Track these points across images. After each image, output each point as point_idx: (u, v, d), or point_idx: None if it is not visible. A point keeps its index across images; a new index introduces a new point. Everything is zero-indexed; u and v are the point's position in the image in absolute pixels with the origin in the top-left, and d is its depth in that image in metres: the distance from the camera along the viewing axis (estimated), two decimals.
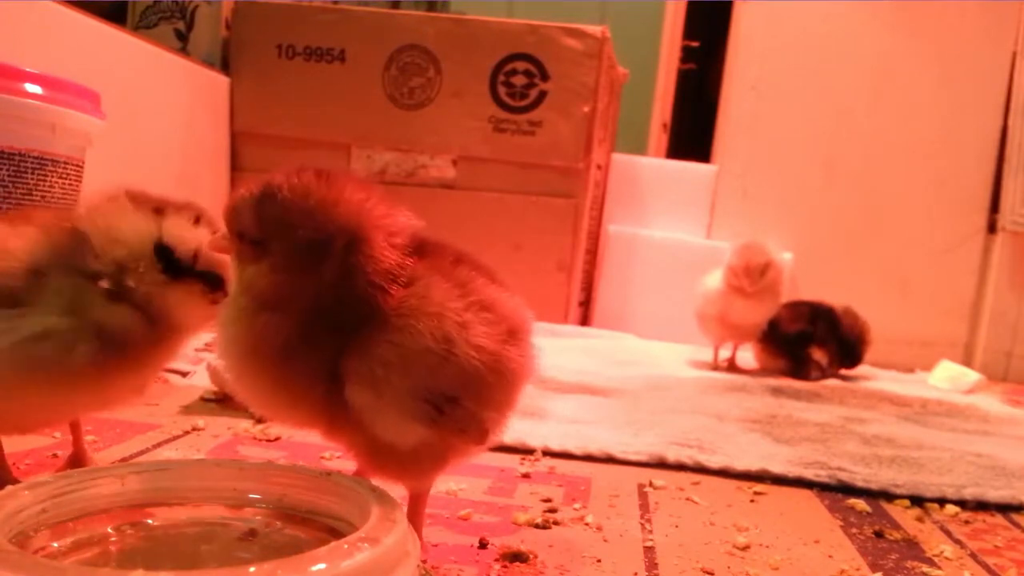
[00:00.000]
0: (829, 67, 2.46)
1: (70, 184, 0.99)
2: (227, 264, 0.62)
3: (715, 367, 1.83)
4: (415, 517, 0.61)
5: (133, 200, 0.64)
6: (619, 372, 1.59)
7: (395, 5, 3.10)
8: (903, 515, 0.87)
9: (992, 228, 2.41)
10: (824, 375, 1.80)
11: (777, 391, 1.55)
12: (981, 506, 0.92)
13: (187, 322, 0.65)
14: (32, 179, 0.93)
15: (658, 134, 3.39)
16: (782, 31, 2.48)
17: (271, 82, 2.16)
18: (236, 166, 2.19)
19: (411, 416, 0.53)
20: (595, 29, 2.10)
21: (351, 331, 0.53)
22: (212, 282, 0.64)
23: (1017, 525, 0.88)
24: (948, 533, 0.82)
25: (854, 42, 2.45)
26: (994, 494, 0.94)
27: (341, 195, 0.55)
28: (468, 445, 0.58)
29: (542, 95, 2.12)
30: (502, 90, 2.13)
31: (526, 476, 0.86)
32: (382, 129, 2.16)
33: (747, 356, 1.90)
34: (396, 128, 2.15)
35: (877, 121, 2.45)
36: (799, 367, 1.78)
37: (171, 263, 0.63)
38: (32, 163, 0.93)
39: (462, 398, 0.54)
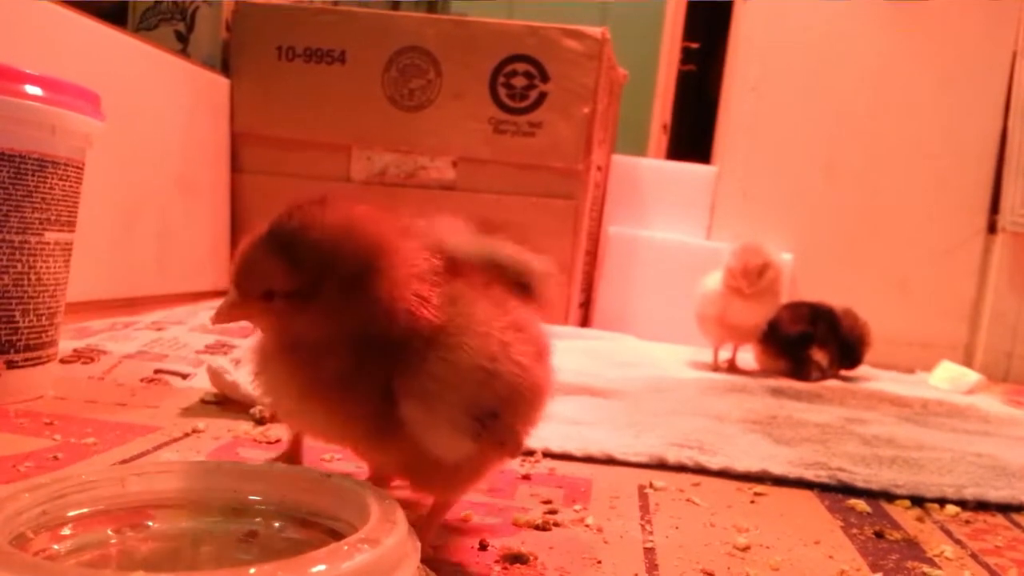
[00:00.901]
0: (829, 68, 2.46)
1: (71, 186, 0.99)
2: None
3: (715, 368, 1.83)
4: (432, 522, 0.61)
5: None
6: (619, 373, 1.59)
7: (395, 6, 3.10)
8: (903, 515, 0.87)
9: (992, 229, 2.40)
10: (824, 376, 1.80)
11: (777, 392, 1.55)
12: (982, 506, 0.92)
13: None
14: (32, 181, 0.93)
15: (658, 135, 3.39)
16: (782, 32, 2.48)
17: (271, 83, 2.17)
18: (237, 168, 2.19)
19: (460, 431, 0.54)
20: (595, 30, 2.10)
21: (400, 349, 0.52)
22: None
23: (1018, 525, 0.87)
24: (949, 533, 0.82)
25: (854, 43, 2.45)
26: (995, 494, 0.94)
27: (358, 220, 0.52)
28: (503, 457, 0.60)
29: (542, 96, 2.12)
30: (502, 91, 2.13)
31: (526, 477, 0.86)
32: (382, 130, 2.16)
33: (747, 357, 1.90)
34: (396, 129, 2.15)
35: (877, 122, 2.45)
36: (799, 368, 1.78)
37: None
38: (32, 165, 0.93)
39: (503, 413, 0.55)
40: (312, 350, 0.52)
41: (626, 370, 1.65)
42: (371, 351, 0.52)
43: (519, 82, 2.13)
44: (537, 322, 0.60)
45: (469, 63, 2.13)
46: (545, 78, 2.12)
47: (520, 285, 0.63)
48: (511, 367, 0.54)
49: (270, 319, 0.53)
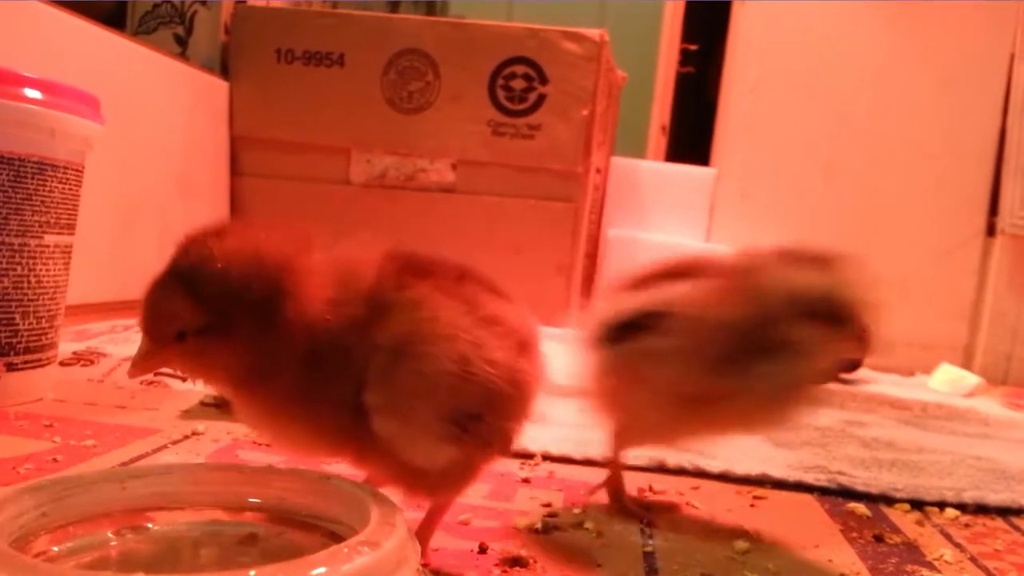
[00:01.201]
0: (828, 69, 2.47)
1: (70, 189, 0.99)
2: None
3: None
4: (430, 525, 0.61)
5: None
6: None
7: (394, 9, 3.11)
8: (903, 519, 0.87)
9: (991, 231, 2.41)
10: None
11: None
12: (981, 510, 0.92)
13: None
14: (32, 184, 0.93)
15: (657, 137, 3.39)
16: (780, 33, 2.48)
17: (271, 86, 2.17)
18: (236, 171, 2.19)
19: (438, 438, 0.53)
20: (594, 33, 2.10)
21: (362, 361, 0.52)
22: None
23: (1017, 528, 0.87)
24: (948, 537, 0.82)
25: (853, 44, 2.45)
26: (994, 497, 0.93)
27: (257, 245, 0.51)
28: (494, 456, 0.59)
29: (541, 99, 2.12)
30: (501, 94, 2.13)
31: (526, 481, 0.86)
32: (381, 133, 2.16)
33: None
34: (395, 132, 2.15)
35: (876, 123, 2.45)
36: None
37: None
38: (32, 168, 0.93)
39: (485, 413, 0.54)
40: (254, 378, 0.52)
41: None
42: (324, 366, 0.52)
43: (518, 84, 2.13)
44: (519, 314, 0.59)
45: (468, 65, 2.13)
46: (544, 80, 2.12)
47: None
48: (485, 366, 0.53)
49: (188, 360, 0.51)
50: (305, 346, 0.51)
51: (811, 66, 2.47)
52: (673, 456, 0.97)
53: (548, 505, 0.78)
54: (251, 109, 2.18)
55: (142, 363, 0.51)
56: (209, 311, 0.49)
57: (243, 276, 0.49)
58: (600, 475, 0.88)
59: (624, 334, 0.72)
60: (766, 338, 0.66)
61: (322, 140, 2.17)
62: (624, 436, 0.79)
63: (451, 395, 0.52)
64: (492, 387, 0.53)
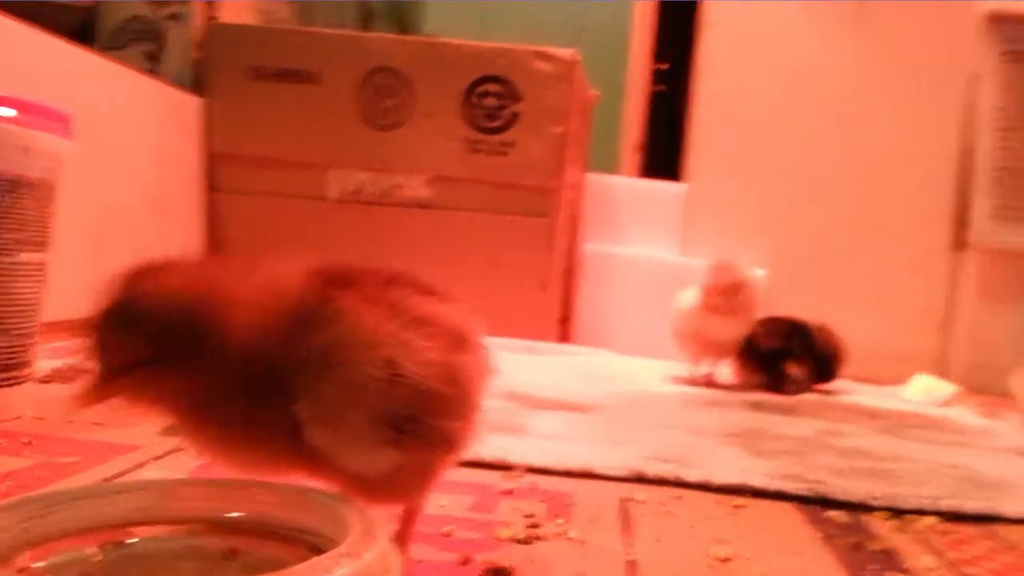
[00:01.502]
0: (794, 86, 2.52)
1: (44, 206, 0.98)
2: None
3: (693, 383, 1.84)
4: (404, 533, 0.61)
5: None
6: (599, 388, 1.60)
7: (367, 26, 3.11)
8: (882, 526, 0.88)
9: (962, 244, 2.44)
10: (801, 390, 1.82)
11: (755, 406, 1.56)
12: (959, 517, 0.93)
13: None
14: (6, 202, 0.92)
15: (630, 154, 3.42)
16: (747, 52, 2.53)
17: (246, 103, 2.16)
18: (214, 187, 2.19)
19: (373, 444, 0.53)
20: (566, 52, 2.13)
21: (294, 378, 0.52)
22: None
23: (995, 535, 0.88)
24: (927, 543, 0.83)
25: (817, 62, 2.51)
26: (971, 505, 0.94)
27: (191, 277, 0.53)
28: (440, 457, 0.59)
29: (514, 116, 2.14)
30: (475, 111, 2.14)
31: (508, 492, 0.86)
32: (357, 149, 2.16)
33: (725, 372, 1.91)
34: (371, 148, 2.16)
35: (841, 140, 2.50)
36: (776, 382, 1.80)
37: None
38: (5, 186, 0.92)
39: (419, 414, 0.54)
40: (198, 407, 0.52)
41: (605, 385, 1.65)
42: (261, 389, 0.52)
43: (491, 102, 2.14)
44: (456, 313, 0.59)
45: (441, 83, 2.14)
46: (517, 99, 2.13)
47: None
48: (413, 367, 0.53)
49: (131, 392, 0.52)
50: (241, 371, 0.52)
51: (778, 84, 2.52)
52: (653, 466, 0.98)
53: (531, 516, 0.78)
54: (227, 125, 2.18)
55: (85, 397, 0.51)
56: (149, 344, 0.50)
57: (177, 309, 0.51)
58: (582, 487, 0.88)
59: None
60: None
61: (298, 156, 2.17)
62: None
63: (380, 399, 0.52)
64: (423, 387, 0.53)
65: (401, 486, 0.58)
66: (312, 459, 0.54)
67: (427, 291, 0.59)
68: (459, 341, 0.58)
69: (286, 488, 0.53)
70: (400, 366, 0.53)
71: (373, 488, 0.56)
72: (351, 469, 0.54)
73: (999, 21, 2.30)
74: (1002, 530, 0.90)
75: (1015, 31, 2.31)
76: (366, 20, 3.19)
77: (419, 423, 0.54)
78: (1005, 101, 2.33)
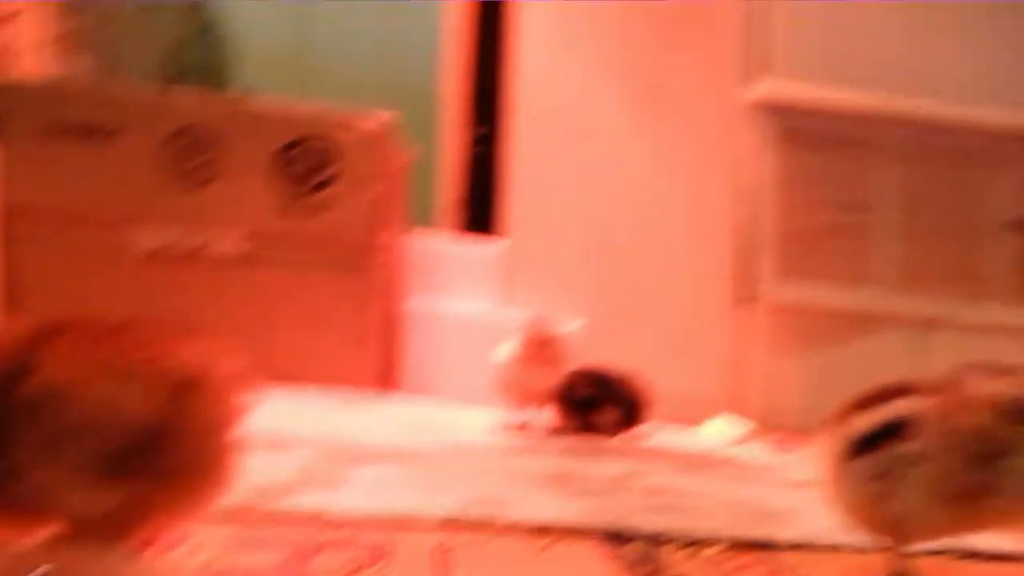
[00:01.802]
0: (590, 143, 2.72)
1: None
2: None
3: (512, 430, 1.92)
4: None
5: None
6: (419, 439, 1.64)
7: (179, 81, 3.06)
8: (673, 556, 0.96)
9: (743, 299, 2.69)
10: (612, 434, 1.94)
11: (569, 451, 1.65)
12: (742, 545, 1.03)
13: None
14: None
15: (450, 211, 3.51)
16: (549, 112, 2.71)
17: (43, 157, 2.09)
18: (14, 239, 2.09)
19: (88, 484, 0.56)
20: (381, 115, 2.19)
21: (5, 430, 0.55)
22: None
23: (773, 560, 0.99)
24: (715, 569, 0.92)
25: (603, 122, 2.74)
26: (753, 533, 1.05)
27: None
28: (170, 492, 0.61)
29: (329, 177, 2.17)
30: (289, 170, 2.16)
31: (323, 546, 0.88)
32: (164, 206, 2.13)
33: (545, 418, 2.00)
34: (179, 205, 2.13)
35: (640, 201, 2.75)
36: (589, 428, 1.92)
37: None
38: None
39: (137, 453, 0.57)
40: None
41: (426, 435, 1.69)
42: None
43: (305, 163, 2.17)
44: (189, 355, 0.62)
45: (254, 142, 2.15)
46: (332, 160, 2.17)
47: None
48: (126, 408, 0.57)
49: None
50: None
51: (577, 138, 2.72)
52: (472, 509, 1.03)
53: (348, 566, 0.81)
54: (25, 177, 2.09)
55: None
56: None
57: None
58: (402, 534, 0.91)
59: (872, 445, 0.81)
60: (997, 439, 0.76)
61: (102, 212, 2.11)
62: (901, 533, 0.84)
63: (93, 440, 0.56)
64: (139, 427, 0.57)
65: (127, 522, 0.60)
66: (37, 504, 0.56)
67: (147, 338, 0.62)
68: (187, 382, 0.60)
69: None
70: (112, 406, 0.56)
71: (98, 526, 0.58)
72: (77, 510, 0.56)
73: (769, 107, 2.60)
74: (780, 556, 1.01)
75: (784, 115, 2.62)
76: (178, 76, 3.14)
77: (139, 461, 0.57)
78: (784, 173, 2.61)
